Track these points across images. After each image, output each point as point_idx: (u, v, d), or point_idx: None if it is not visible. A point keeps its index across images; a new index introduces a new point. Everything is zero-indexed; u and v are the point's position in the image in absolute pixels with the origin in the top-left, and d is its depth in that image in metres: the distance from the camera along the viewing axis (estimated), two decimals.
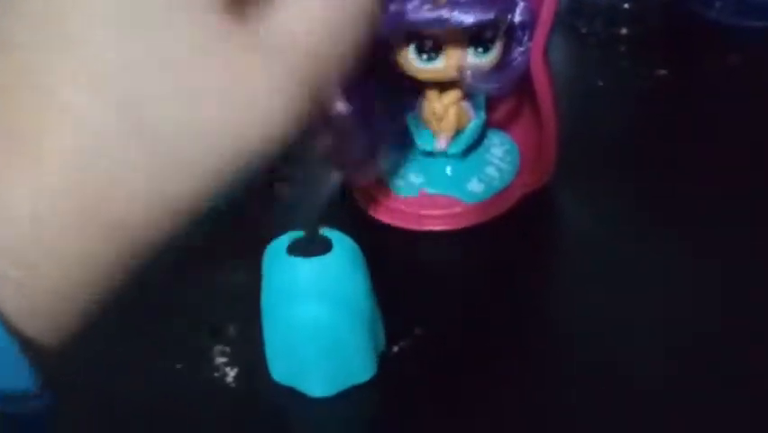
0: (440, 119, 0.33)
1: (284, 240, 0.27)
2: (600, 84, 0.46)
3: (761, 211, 0.33)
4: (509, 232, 0.34)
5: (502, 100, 0.37)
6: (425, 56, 0.30)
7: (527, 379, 0.28)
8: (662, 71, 0.46)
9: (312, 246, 0.26)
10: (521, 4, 0.30)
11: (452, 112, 0.33)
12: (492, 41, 0.30)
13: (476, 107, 0.34)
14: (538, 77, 0.31)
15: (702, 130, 0.40)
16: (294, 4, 0.17)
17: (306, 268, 0.26)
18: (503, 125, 0.37)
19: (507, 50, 0.32)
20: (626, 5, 0.52)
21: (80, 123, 0.14)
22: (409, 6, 0.28)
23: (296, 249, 0.27)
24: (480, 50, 0.30)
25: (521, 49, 0.31)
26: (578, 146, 0.40)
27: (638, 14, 0.52)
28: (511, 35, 0.31)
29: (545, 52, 0.31)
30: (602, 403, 0.26)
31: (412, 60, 0.31)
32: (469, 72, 0.30)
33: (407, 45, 0.30)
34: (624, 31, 0.52)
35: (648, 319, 0.29)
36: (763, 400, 0.25)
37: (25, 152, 0.14)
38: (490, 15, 0.28)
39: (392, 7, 0.28)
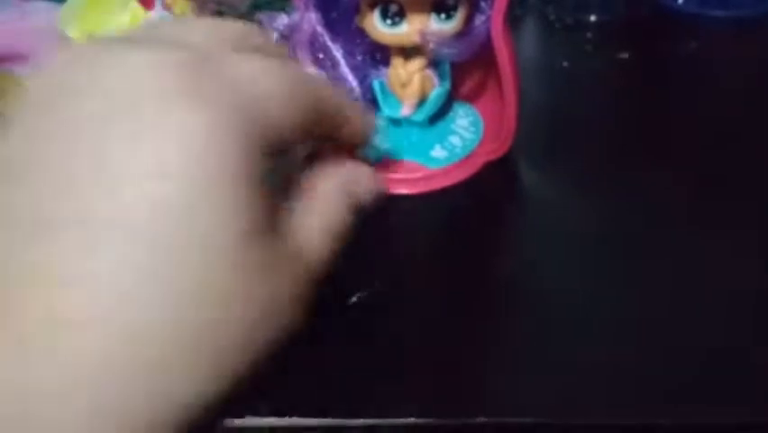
0: (405, 86, 0.34)
1: None
2: (565, 65, 0.47)
3: (719, 189, 0.35)
4: (469, 197, 0.35)
5: (468, 73, 0.38)
6: (389, 21, 0.31)
7: (484, 333, 0.28)
8: (624, 55, 0.47)
9: None
10: None
11: (416, 79, 0.34)
12: (455, 8, 0.32)
13: (441, 76, 0.35)
14: (499, 45, 0.32)
15: (658, 109, 0.42)
16: (311, 216, 0.20)
17: None
18: (469, 98, 0.39)
19: (469, 18, 0.33)
20: None
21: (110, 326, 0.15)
22: None
23: None
24: (443, 16, 0.31)
25: (483, 17, 0.32)
26: (540, 122, 0.42)
27: (606, 2, 0.53)
28: (474, 3, 0.32)
29: (506, 22, 0.32)
30: (557, 349, 0.27)
31: (377, 25, 0.32)
32: (431, 38, 0.32)
33: (372, 10, 0.32)
34: (592, 18, 0.53)
35: (604, 282, 0.30)
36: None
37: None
38: None
39: None
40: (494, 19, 0.31)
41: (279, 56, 0.21)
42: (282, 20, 0.32)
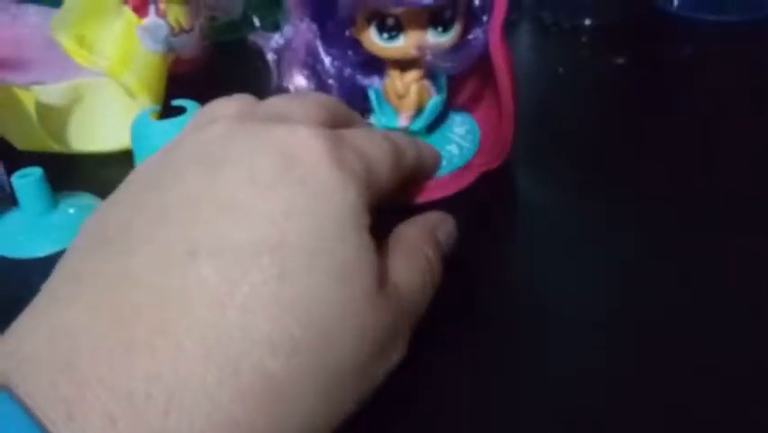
0: (402, 97, 0.34)
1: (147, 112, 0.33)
2: (561, 70, 0.47)
3: (713, 193, 0.34)
4: (465, 206, 0.35)
5: (465, 82, 0.38)
6: (386, 35, 0.31)
7: (477, 345, 0.28)
8: (620, 60, 0.47)
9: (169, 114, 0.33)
10: None
11: (413, 90, 0.34)
12: (452, 21, 0.31)
13: (438, 86, 0.35)
14: (496, 56, 0.32)
15: (655, 114, 0.42)
16: (402, 259, 0.22)
17: (163, 127, 0.32)
18: (465, 107, 0.39)
19: (466, 30, 0.33)
20: None
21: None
22: None
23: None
24: (440, 29, 0.31)
25: (479, 29, 0.32)
26: (537, 128, 0.41)
27: (601, 6, 0.53)
28: (471, 15, 0.32)
29: (503, 32, 0.32)
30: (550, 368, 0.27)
31: (374, 39, 0.31)
32: (429, 51, 0.31)
33: (369, 24, 0.31)
34: (587, 22, 0.53)
35: (603, 295, 0.29)
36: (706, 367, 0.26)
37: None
38: None
39: None
40: (492, 33, 0.31)
41: (366, 125, 0.26)
42: (277, 40, 0.32)
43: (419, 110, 0.35)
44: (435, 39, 0.31)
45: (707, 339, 0.26)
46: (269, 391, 0.16)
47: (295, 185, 0.18)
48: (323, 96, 0.24)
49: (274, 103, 0.22)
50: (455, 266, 0.32)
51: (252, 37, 0.32)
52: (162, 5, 0.39)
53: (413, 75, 0.34)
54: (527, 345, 0.27)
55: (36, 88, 0.37)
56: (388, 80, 0.34)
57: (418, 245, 0.24)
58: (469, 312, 0.30)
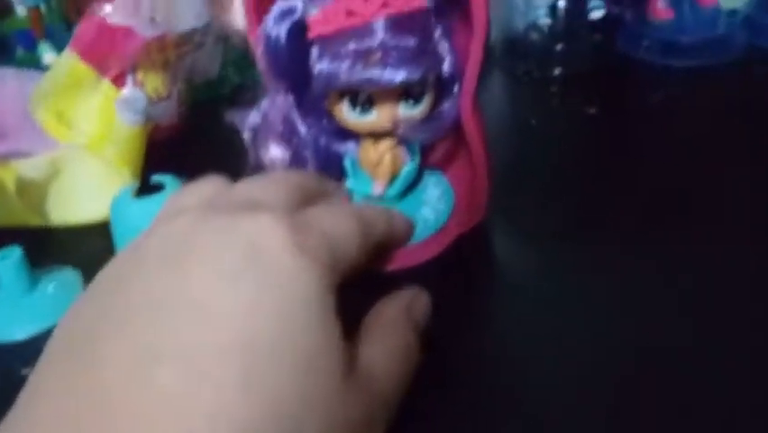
0: (376, 165, 0.35)
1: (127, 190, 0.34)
2: (533, 123, 0.48)
3: (689, 243, 0.35)
4: (445, 272, 0.35)
5: (439, 144, 0.38)
6: (358, 109, 0.32)
7: (460, 409, 0.28)
8: (591, 110, 0.48)
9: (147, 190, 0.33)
10: (448, 59, 0.32)
11: (387, 159, 0.34)
12: (422, 94, 0.32)
13: (411, 152, 0.36)
14: (468, 125, 0.33)
15: (627, 162, 0.43)
16: (377, 343, 0.22)
17: (142, 206, 0.33)
18: (439, 166, 0.39)
19: (437, 101, 0.33)
20: (558, 47, 0.55)
21: None
22: (342, 67, 0.29)
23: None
24: (411, 102, 0.32)
25: (450, 99, 0.33)
26: (511, 183, 0.42)
27: (570, 56, 0.55)
28: (441, 87, 0.33)
29: (475, 102, 0.33)
30: None
31: (347, 114, 0.32)
32: (401, 123, 0.32)
33: (341, 99, 0.32)
34: (557, 71, 0.54)
35: (584, 360, 0.30)
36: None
37: None
38: (418, 74, 0.30)
39: (325, 67, 0.30)
40: (463, 104, 0.32)
41: (334, 195, 0.25)
42: (254, 117, 0.32)
43: (393, 177, 0.35)
44: (407, 112, 0.32)
45: (687, 388, 0.27)
46: None
47: (258, 278, 0.18)
48: (293, 174, 0.25)
49: (242, 188, 0.23)
50: (433, 335, 0.32)
51: (228, 116, 0.33)
52: (140, 75, 0.40)
53: (386, 144, 0.34)
54: (503, 414, 0.28)
55: (15, 164, 0.38)
56: (362, 150, 0.35)
57: (396, 328, 0.23)
58: (444, 379, 0.30)
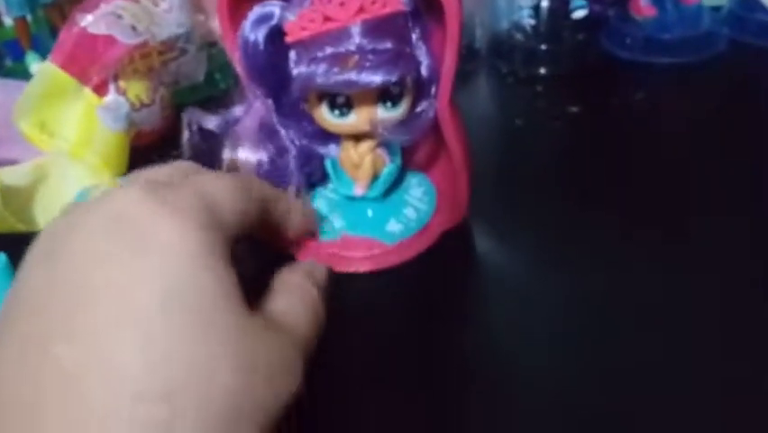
0: (357, 167, 0.35)
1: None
2: (518, 123, 0.49)
3: (673, 240, 0.35)
4: (426, 267, 0.36)
5: (420, 144, 0.39)
6: (337, 111, 0.32)
7: (447, 406, 0.28)
8: (574, 109, 0.49)
9: None
10: (425, 62, 0.32)
11: (367, 160, 0.35)
12: (400, 96, 0.33)
13: (392, 153, 0.36)
14: (446, 126, 0.33)
15: (612, 162, 0.43)
16: (286, 297, 0.25)
17: None
18: (421, 166, 0.40)
19: (416, 103, 0.34)
20: (543, 47, 0.55)
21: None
22: (319, 70, 0.30)
23: None
24: (389, 104, 0.32)
25: (428, 100, 0.33)
26: (494, 182, 0.43)
27: (554, 55, 0.55)
28: (419, 89, 0.33)
29: (452, 103, 0.33)
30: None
31: (326, 116, 0.33)
32: (380, 125, 0.32)
33: (320, 101, 0.32)
34: (542, 71, 0.55)
35: (572, 348, 0.30)
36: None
37: None
38: (395, 76, 0.30)
39: (303, 70, 0.30)
40: (440, 105, 0.32)
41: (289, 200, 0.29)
42: (213, 121, 0.33)
43: (375, 178, 0.36)
44: (385, 114, 0.33)
45: (671, 379, 0.27)
46: None
47: (133, 246, 0.19)
48: (241, 178, 0.26)
49: (151, 171, 0.24)
50: (418, 332, 0.32)
51: (186, 115, 0.33)
52: (122, 83, 0.40)
53: (366, 145, 0.35)
54: (490, 410, 0.28)
55: (0, 171, 0.38)
56: (342, 151, 0.35)
57: (298, 285, 0.26)
58: (430, 374, 0.30)
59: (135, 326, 0.18)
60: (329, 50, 0.30)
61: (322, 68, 0.30)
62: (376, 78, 0.29)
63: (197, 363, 0.18)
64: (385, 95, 0.32)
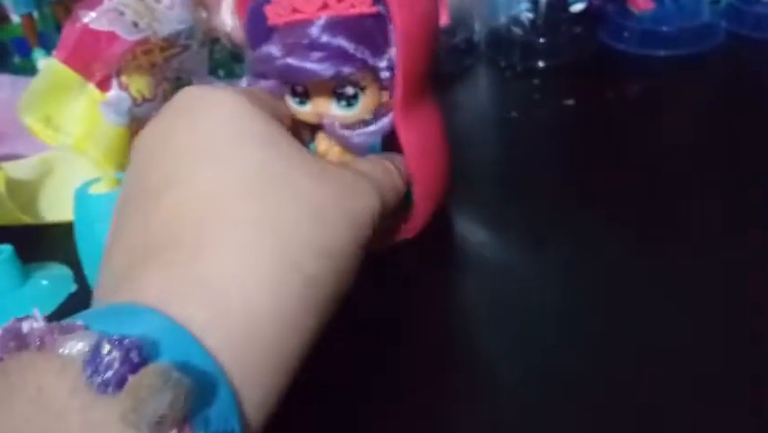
0: (324, 157, 0.34)
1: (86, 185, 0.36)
2: (514, 115, 0.49)
3: (669, 232, 0.36)
4: (418, 257, 0.36)
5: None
6: (296, 99, 0.32)
7: (418, 400, 0.29)
8: (570, 102, 0.49)
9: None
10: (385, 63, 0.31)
11: (334, 151, 0.34)
12: (355, 97, 0.31)
13: (372, 149, 0.34)
14: (401, 137, 0.32)
15: (607, 157, 0.43)
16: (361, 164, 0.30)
17: (100, 199, 0.34)
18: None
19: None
20: (541, 40, 0.56)
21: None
22: (271, 54, 0.29)
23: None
24: (344, 103, 0.31)
25: (388, 108, 0.32)
26: (491, 175, 0.43)
27: (552, 49, 0.56)
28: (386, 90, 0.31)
29: (409, 114, 0.31)
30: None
31: (289, 101, 0.32)
32: (331, 122, 0.32)
33: (286, 87, 0.32)
34: (540, 64, 0.55)
35: (565, 340, 0.30)
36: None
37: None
38: (330, 73, 0.29)
39: (261, 51, 0.30)
40: (394, 113, 0.31)
41: None
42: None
43: None
44: (338, 111, 0.31)
45: (643, 389, 0.27)
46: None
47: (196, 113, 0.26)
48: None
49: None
50: (405, 325, 0.33)
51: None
52: (124, 78, 0.41)
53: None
54: (479, 410, 0.28)
55: (6, 165, 0.39)
56: (316, 139, 0.35)
57: (380, 159, 0.31)
58: (416, 356, 0.31)
59: (214, 156, 0.24)
60: (290, 39, 0.29)
61: (273, 51, 0.29)
62: (312, 70, 0.29)
63: (277, 174, 0.24)
64: (338, 93, 0.31)
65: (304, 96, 0.32)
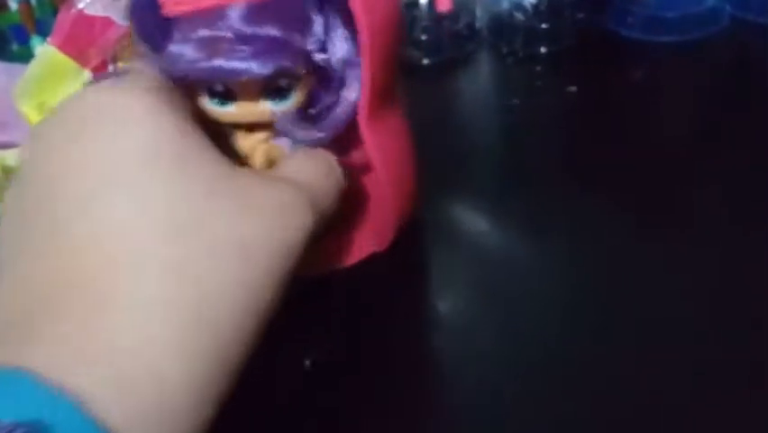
0: (247, 158, 0.29)
1: None
2: (515, 102, 0.49)
3: (663, 218, 0.35)
4: (419, 247, 0.36)
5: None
6: (215, 100, 0.27)
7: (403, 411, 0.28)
8: (572, 88, 0.49)
9: None
10: (337, 54, 0.27)
11: (258, 152, 0.29)
12: (289, 89, 0.27)
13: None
14: (366, 143, 0.29)
15: (611, 142, 0.43)
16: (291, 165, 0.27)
17: None
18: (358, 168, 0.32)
19: (320, 95, 0.28)
20: (543, 26, 0.55)
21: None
22: (186, 53, 0.25)
23: None
24: (277, 98, 0.27)
25: (336, 96, 0.28)
26: (493, 162, 0.43)
27: (555, 35, 0.55)
28: (324, 81, 0.28)
29: (376, 118, 0.29)
30: None
31: (206, 104, 0.27)
32: (276, 117, 0.27)
33: (199, 88, 0.27)
34: (542, 50, 0.55)
35: (569, 335, 0.30)
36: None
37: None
38: (271, 69, 0.25)
39: (172, 50, 0.25)
40: (360, 114, 0.28)
41: None
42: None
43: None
44: (272, 107, 0.27)
45: (624, 394, 0.27)
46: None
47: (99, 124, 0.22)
48: None
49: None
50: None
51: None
52: (121, 65, 0.40)
53: (259, 135, 0.29)
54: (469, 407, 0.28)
55: (4, 153, 0.39)
56: (236, 138, 0.29)
57: (314, 153, 0.27)
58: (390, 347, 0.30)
59: (125, 186, 0.20)
60: (202, 31, 0.25)
61: (189, 51, 0.25)
62: (249, 69, 0.24)
63: (192, 214, 0.20)
64: (270, 86, 0.27)
65: (225, 97, 0.27)
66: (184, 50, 0.24)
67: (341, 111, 0.28)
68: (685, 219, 0.35)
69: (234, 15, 0.24)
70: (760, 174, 0.37)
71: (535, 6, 0.55)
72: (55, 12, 0.59)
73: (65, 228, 0.20)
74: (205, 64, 0.24)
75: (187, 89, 0.26)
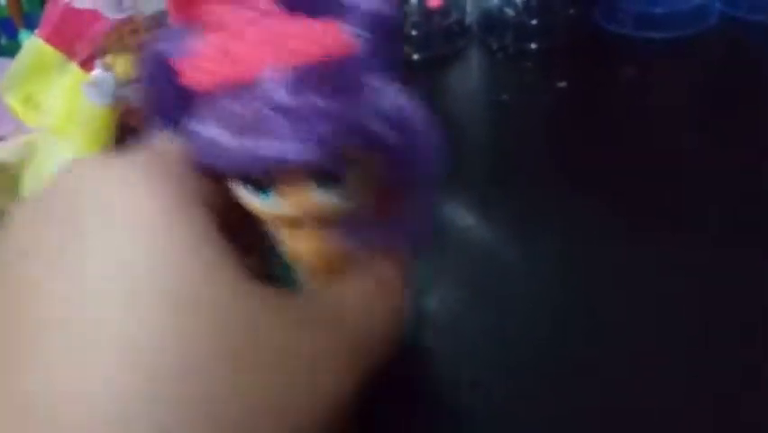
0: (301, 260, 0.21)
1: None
2: (505, 98, 0.49)
3: (652, 217, 0.36)
4: None
5: None
6: (254, 189, 0.20)
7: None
8: (562, 84, 0.49)
9: None
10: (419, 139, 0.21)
11: (311, 254, 0.21)
12: (338, 177, 0.19)
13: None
14: None
15: (600, 139, 0.43)
16: (351, 282, 0.19)
17: None
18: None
19: (388, 198, 0.21)
20: (533, 21, 0.55)
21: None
22: (224, 135, 0.18)
23: None
24: (327, 185, 0.19)
25: (410, 206, 0.22)
26: (483, 159, 0.43)
27: (545, 30, 0.55)
28: (398, 177, 0.21)
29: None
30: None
31: (245, 196, 0.20)
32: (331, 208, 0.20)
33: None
34: (532, 46, 0.55)
35: (555, 327, 0.30)
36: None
37: None
38: (315, 153, 0.17)
39: (201, 132, 0.19)
40: None
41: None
42: None
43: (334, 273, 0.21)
44: (323, 198, 0.19)
45: (616, 394, 0.27)
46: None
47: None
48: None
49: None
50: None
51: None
52: (109, 58, 0.40)
53: (310, 234, 0.21)
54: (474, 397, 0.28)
55: None
56: (284, 237, 0.21)
57: (362, 260, 0.20)
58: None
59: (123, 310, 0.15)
60: (235, 105, 0.18)
61: (217, 131, 0.18)
62: (284, 152, 0.17)
63: (183, 354, 0.15)
64: (315, 173, 0.19)
65: (263, 186, 0.20)
66: (211, 131, 0.18)
67: (406, 226, 0.22)
68: (674, 216, 0.35)
69: (274, 83, 0.18)
70: (749, 171, 0.38)
71: (526, 2, 0.55)
72: (43, 5, 0.59)
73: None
74: (239, 148, 0.18)
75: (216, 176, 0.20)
